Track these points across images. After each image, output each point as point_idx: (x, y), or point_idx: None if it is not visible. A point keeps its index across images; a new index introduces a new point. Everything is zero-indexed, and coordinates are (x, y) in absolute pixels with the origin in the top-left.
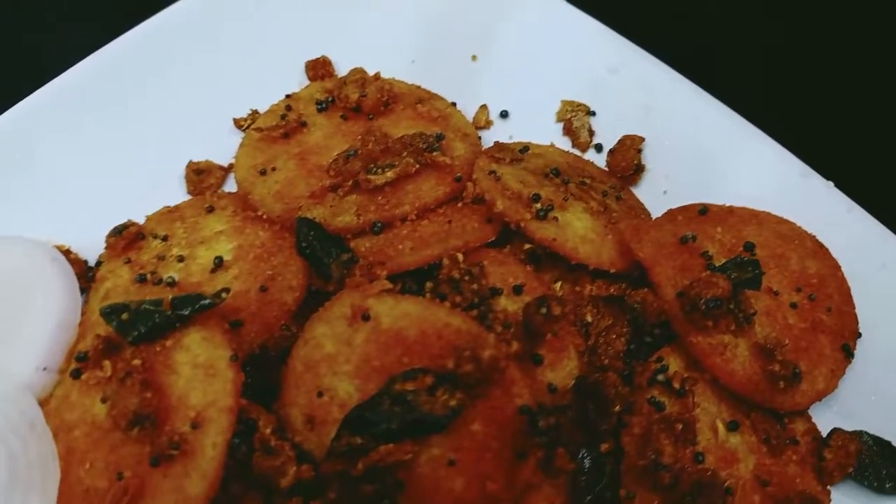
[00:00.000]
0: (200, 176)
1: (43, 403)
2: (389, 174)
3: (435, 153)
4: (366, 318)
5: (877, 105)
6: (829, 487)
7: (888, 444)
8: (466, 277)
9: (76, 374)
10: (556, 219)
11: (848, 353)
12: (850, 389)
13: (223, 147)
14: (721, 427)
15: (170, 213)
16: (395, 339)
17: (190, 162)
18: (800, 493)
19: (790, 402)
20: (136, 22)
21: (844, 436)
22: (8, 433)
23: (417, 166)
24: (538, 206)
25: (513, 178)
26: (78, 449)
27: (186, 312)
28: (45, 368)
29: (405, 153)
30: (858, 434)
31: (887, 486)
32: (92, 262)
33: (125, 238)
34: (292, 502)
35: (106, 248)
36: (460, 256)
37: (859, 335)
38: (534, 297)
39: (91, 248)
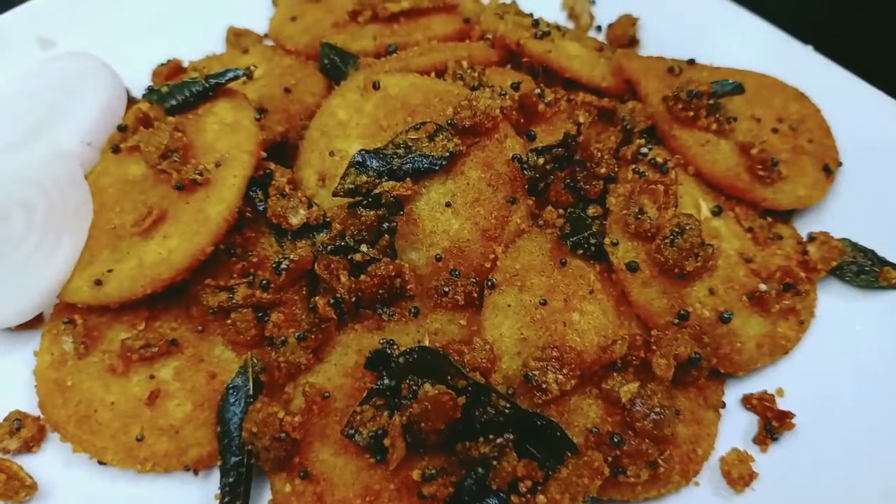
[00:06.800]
0: (239, 38)
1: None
2: (404, 3)
3: None
4: (376, 86)
5: None
6: (815, 283)
7: (870, 249)
8: (469, 70)
9: (116, 149)
10: (552, 41)
11: (828, 172)
12: (834, 209)
13: (260, 20)
14: (704, 207)
15: (210, 58)
16: (401, 104)
17: (230, 27)
18: (783, 268)
19: (771, 198)
20: None
21: (827, 235)
22: (50, 186)
23: (429, 4)
24: (536, 29)
25: (516, 19)
26: (109, 201)
27: (221, 81)
28: (89, 143)
29: None
30: (842, 240)
31: (871, 280)
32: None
33: (169, 68)
34: (300, 244)
35: (152, 77)
36: (465, 62)
37: (840, 164)
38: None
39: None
